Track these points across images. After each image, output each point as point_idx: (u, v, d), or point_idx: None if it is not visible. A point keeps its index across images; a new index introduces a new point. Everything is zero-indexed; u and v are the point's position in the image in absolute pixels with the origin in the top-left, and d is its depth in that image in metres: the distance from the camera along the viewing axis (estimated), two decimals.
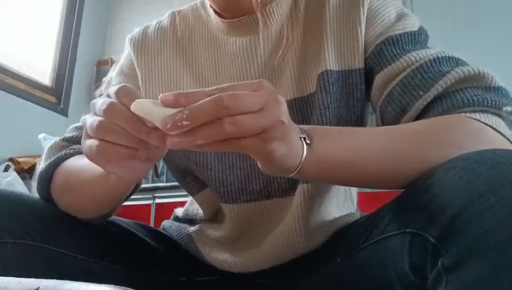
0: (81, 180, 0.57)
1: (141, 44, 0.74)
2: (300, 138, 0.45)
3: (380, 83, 0.59)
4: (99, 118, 0.42)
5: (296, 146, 0.45)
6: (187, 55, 0.72)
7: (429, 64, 0.55)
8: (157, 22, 0.77)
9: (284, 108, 0.42)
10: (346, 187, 0.71)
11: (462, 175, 0.38)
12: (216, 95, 0.38)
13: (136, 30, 0.77)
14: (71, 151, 0.62)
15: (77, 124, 0.70)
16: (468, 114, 0.50)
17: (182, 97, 0.38)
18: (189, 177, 0.71)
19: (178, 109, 0.38)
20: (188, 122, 0.37)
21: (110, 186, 0.53)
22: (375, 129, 0.52)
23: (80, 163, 0.59)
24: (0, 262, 0.53)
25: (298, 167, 0.46)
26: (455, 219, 0.36)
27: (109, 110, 0.42)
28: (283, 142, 0.42)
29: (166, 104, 0.38)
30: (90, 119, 0.44)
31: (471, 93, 0.51)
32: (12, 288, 0.36)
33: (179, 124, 0.37)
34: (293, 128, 0.45)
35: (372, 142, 0.49)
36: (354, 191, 0.74)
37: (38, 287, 0.36)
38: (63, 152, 0.62)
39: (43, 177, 0.61)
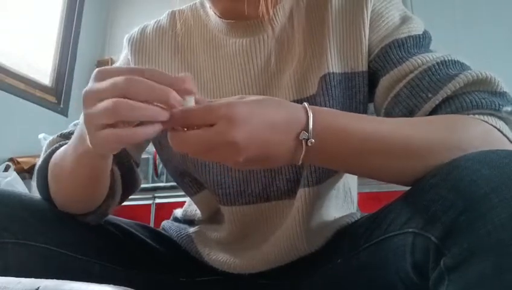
0: (63, 167, 0.56)
1: (139, 44, 0.74)
2: (302, 139, 0.46)
3: (386, 85, 0.59)
4: (113, 100, 0.40)
5: (276, 156, 0.46)
6: (186, 56, 0.72)
7: (437, 66, 0.55)
8: (155, 22, 0.76)
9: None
10: (346, 188, 0.70)
11: (465, 175, 0.38)
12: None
13: (134, 30, 0.76)
14: (62, 143, 0.62)
15: (77, 121, 0.69)
16: (476, 116, 0.50)
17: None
18: (187, 179, 0.71)
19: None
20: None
21: (92, 167, 0.53)
22: (388, 120, 0.52)
23: (60, 151, 0.58)
24: (0, 262, 0.53)
25: (299, 161, 0.47)
26: (458, 219, 0.36)
27: (127, 82, 0.40)
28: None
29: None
30: (99, 106, 0.40)
31: (479, 96, 0.51)
32: (12, 288, 0.36)
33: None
34: (282, 139, 0.45)
35: (386, 129, 0.48)
36: (354, 191, 0.74)
37: (38, 287, 0.36)
38: (55, 146, 0.62)
39: (39, 174, 0.61)
